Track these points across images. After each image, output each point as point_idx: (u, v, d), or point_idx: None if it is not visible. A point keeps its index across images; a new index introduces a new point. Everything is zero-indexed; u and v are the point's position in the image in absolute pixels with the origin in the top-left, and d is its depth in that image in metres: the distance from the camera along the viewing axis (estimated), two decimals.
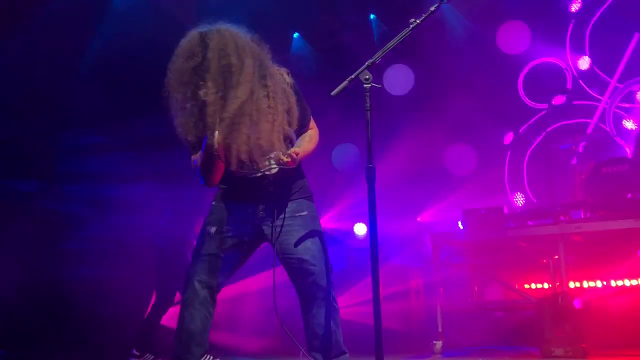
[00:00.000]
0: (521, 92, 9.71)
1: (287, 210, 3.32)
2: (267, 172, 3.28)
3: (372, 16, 9.84)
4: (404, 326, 6.93)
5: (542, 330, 5.93)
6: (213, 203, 3.41)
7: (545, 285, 7.36)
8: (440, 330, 6.73)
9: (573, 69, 9.46)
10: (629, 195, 6.77)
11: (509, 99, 9.60)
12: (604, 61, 9.30)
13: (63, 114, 7.35)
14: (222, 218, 3.31)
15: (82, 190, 7.50)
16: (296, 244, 3.27)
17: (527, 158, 9.61)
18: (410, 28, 3.31)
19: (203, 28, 3.10)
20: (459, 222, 7.42)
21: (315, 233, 3.33)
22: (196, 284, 3.21)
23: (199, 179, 3.23)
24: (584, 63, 9.35)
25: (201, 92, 2.91)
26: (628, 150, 8.42)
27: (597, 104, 9.28)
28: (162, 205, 6.86)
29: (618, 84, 9.15)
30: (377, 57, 3.31)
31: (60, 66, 7.26)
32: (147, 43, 6.89)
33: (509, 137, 9.77)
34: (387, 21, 9.67)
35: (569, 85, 9.47)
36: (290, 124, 3.21)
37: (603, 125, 9.18)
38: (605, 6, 9.31)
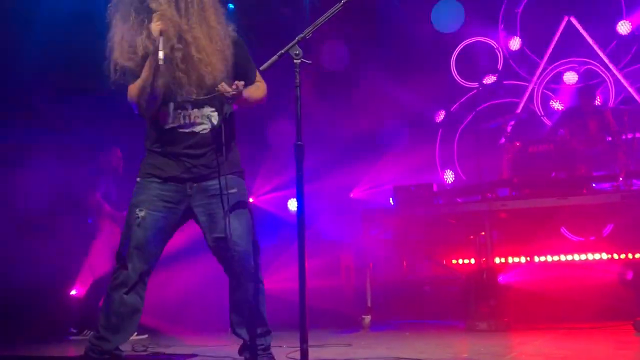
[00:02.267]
0: (453, 71, 9.84)
1: (215, 188, 3.24)
2: (199, 130, 3.21)
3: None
4: (334, 302, 6.97)
5: (468, 304, 6.07)
6: (138, 180, 3.29)
7: (472, 261, 7.53)
8: (369, 305, 6.81)
9: (504, 49, 9.64)
10: (553, 174, 6.99)
11: (442, 77, 9.71)
12: (534, 43, 9.52)
13: None
14: (150, 199, 3.20)
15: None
16: (225, 224, 3.19)
17: (457, 136, 9.77)
18: (341, 4, 3.26)
19: None
20: (390, 199, 7.50)
21: (242, 212, 3.25)
22: (130, 270, 3.14)
23: (134, 109, 3.21)
24: (515, 44, 9.53)
25: (153, 4, 3.04)
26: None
27: (526, 84, 9.51)
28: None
29: (547, 65, 9.38)
30: (308, 32, 3.25)
31: None
32: None
33: (440, 115, 9.90)
34: None
35: (499, 65, 9.65)
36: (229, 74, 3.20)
37: (531, 106, 9.42)
38: None
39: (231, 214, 3.19)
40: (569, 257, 7.12)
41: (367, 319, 6.60)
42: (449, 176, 9.55)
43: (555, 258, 7.18)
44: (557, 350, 4.43)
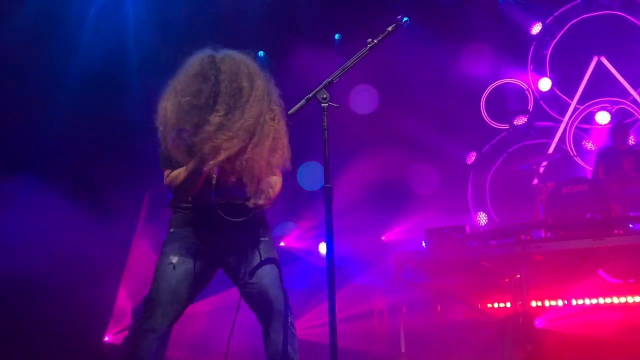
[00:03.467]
0: (484, 113, 9.82)
1: (246, 237, 3.29)
2: (235, 202, 3.23)
3: (337, 36, 9.90)
4: (367, 347, 6.87)
5: (504, 350, 5.93)
6: (172, 230, 3.33)
7: (508, 305, 7.38)
8: (403, 350, 6.68)
9: (534, 90, 9.61)
10: (588, 215, 6.86)
11: (472, 119, 9.70)
12: (564, 83, 9.48)
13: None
14: (182, 246, 3.25)
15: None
16: (256, 273, 3.26)
17: (489, 177, 9.70)
18: (368, 48, 3.31)
19: (211, 52, 3.15)
20: (422, 242, 7.42)
21: (272, 260, 3.31)
22: (158, 316, 3.16)
23: (170, 192, 3.25)
24: (545, 84, 9.50)
25: (211, 116, 2.94)
26: (588, 170, 8.55)
27: (557, 124, 9.44)
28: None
29: (578, 105, 9.32)
30: (335, 76, 3.30)
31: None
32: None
33: (472, 157, 9.85)
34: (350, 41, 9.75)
35: (530, 106, 9.62)
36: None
37: (564, 146, 9.33)
38: (565, 29, 9.51)
39: (262, 261, 3.25)
40: (608, 300, 6.93)
41: None
42: (482, 218, 9.44)
43: (594, 301, 6.99)
44: None
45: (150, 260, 6.57)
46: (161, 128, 3.07)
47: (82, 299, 6.64)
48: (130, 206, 7.36)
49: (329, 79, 3.27)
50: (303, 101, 3.25)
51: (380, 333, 7.30)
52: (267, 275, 3.26)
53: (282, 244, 9.05)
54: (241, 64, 3.11)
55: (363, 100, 8.98)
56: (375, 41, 3.30)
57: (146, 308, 3.21)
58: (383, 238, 9.23)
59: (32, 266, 6.24)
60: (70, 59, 7.48)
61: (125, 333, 6.58)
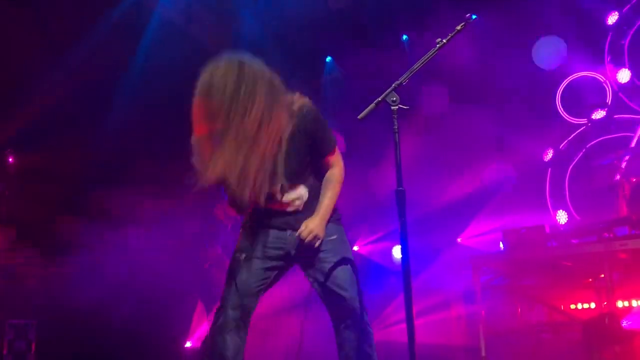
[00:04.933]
0: (560, 108, 9.54)
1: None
2: (292, 209, 3.30)
3: (404, 37, 9.84)
4: (447, 353, 6.79)
5: (590, 352, 5.74)
6: (241, 230, 3.42)
7: (592, 305, 7.14)
8: (483, 354, 6.56)
9: (613, 82, 9.27)
10: None
11: (548, 114, 9.44)
12: None
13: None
14: (252, 244, 3.30)
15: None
16: (329, 271, 3.26)
17: (568, 175, 9.40)
18: (436, 48, 3.27)
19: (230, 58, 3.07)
20: (500, 243, 7.26)
21: (346, 258, 3.31)
22: (229, 310, 3.21)
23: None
24: (624, 76, 9.14)
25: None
26: None
27: (639, 117, 9.06)
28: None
29: None
30: (404, 78, 3.28)
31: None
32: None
33: (549, 154, 9.58)
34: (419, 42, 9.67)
35: (608, 99, 9.27)
36: (302, 155, 3.22)
37: None
38: None
39: (334, 260, 3.26)
40: None
41: None
42: (562, 217, 9.15)
43: None
44: None
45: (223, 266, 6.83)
46: None
47: (173, 316, 7.17)
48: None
49: (398, 81, 3.25)
50: (373, 105, 3.24)
51: (460, 338, 7.20)
52: (340, 276, 3.25)
53: (355, 248, 9.05)
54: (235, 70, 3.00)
55: (434, 100, 8.88)
56: (444, 40, 3.26)
57: (219, 306, 3.28)
58: (459, 240, 9.09)
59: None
60: None
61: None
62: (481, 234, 8.95)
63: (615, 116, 9.19)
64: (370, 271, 8.23)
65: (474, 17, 3.35)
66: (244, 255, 3.26)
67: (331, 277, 3.25)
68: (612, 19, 9.28)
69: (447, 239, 8.87)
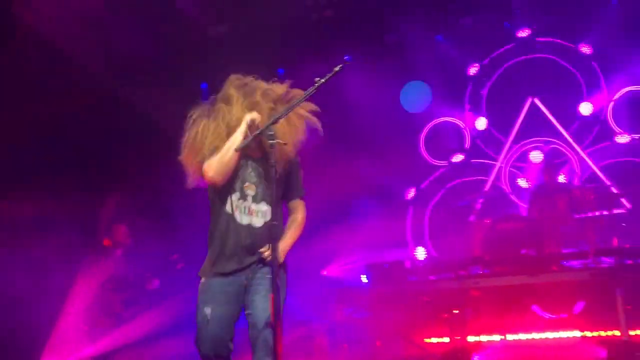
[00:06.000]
0: (422, 150, 10.03)
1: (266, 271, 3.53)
2: (255, 224, 3.56)
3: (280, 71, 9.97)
4: None
5: None
6: (202, 280, 3.59)
7: (446, 340, 7.46)
8: None
9: (471, 128, 9.88)
10: (523, 252, 7.05)
11: (412, 155, 9.88)
12: (499, 122, 9.79)
13: None
14: (214, 296, 3.52)
15: None
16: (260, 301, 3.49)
17: (428, 213, 9.86)
18: (314, 87, 3.36)
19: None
20: (363, 276, 7.46)
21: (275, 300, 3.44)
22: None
23: (202, 182, 3.57)
24: (482, 123, 9.79)
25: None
26: (523, 207, 8.79)
27: (493, 162, 9.71)
28: None
29: (513, 145, 9.62)
30: (281, 114, 3.34)
31: None
32: None
33: (411, 193, 10.00)
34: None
35: (467, 145, 9.88)
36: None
37: (499, 184, 9.59)
38: (500, 70, 9.85)
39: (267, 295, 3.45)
40: (542, 335, 7.11)
41: None
42: (421, 253, 9.56)
43: (529, 336, 7.15)
44: None
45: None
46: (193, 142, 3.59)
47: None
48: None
49: (276, 116, 3.31)
50: (250, 137, 3.30)
51: None
52: (265, 309, 3.44)
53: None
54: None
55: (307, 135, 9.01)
56: (322, 80, 3.35)
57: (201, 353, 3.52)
58: (324, 272, 9.21)
59: None
60: None
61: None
62: (345, 266, 9.12)
63: (472, 160, 9.80)
64: None
65: (349, 59, 3.48)
66: (209, 310, 3.49)
67: (262, 307, 3.44)
68: (473, 70, 9.95)
69: (311, 270, 8.96)
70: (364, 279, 7.35)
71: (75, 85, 7.78)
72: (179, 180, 3.64)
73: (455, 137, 10.04)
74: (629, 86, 8.98)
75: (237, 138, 3.46)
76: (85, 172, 7.99)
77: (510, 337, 7.20)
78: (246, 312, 3.53)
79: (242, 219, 3.55)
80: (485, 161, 9.79)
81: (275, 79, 3.87)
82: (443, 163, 9.90)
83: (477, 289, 6.72)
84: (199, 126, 3.60)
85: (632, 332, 6.26)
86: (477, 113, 9.89)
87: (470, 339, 7.16)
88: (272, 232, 3.36)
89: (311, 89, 3.36)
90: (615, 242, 7.33)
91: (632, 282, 6.09)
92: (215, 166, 3.46)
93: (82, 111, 7.91)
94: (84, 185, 7.76)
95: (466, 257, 7.47)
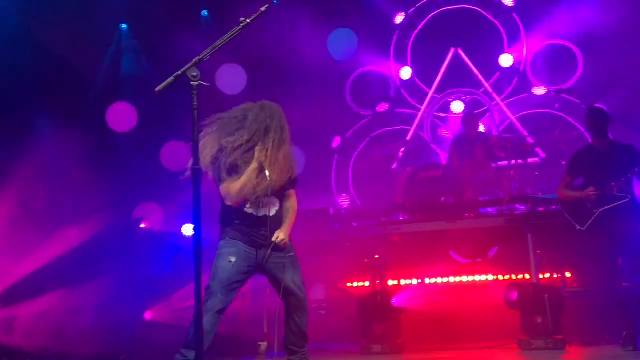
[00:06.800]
0: (348, 99, 10.06)
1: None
2: (267, 214, 4.17)
3: (204, 13, 9.72)
4: (230, 328, 6.87)
5: (363, 327, 6.16)
6: (227, 239, 4.17)
7: (367, 284, 7.66)
8: (265, 331, 6.76)
9: (396, 78, 9.97)
10: (442, 199, 7.25)
11: (337, 104, 9.90)
12: (423, 73, 9.90)
13: None
14: (238, 252, 4.12)
15: None
16: (290, 274, 4.22)
17: (352, 162, 9.97)
18: (239, 27, 3.28)
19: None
20: None
21: (299, 267, 4.31)
22: (219, 297, 4.03)
23: (225, 199, 4.10)
24: (406, 73, 9.88)
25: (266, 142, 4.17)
26: (443, 156, 9.00)
27: (416, 112, 9.86)
28: None
29: (435, 94, 9.78)
30: (206, 54, 3.25)
31: None
32: None
33: (336, 141, 10.06)
34: (219, 19, 9.61)
35: (392, 94, 9.97)
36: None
37: (421, 133, 9.77)
38: (426, 20, 9.92)
39: (293, 267, 4.25)
40: (458, 279, 7.40)
41: (264, 345, 6.55)
42: (345, 201, 9.70)
43: (445, 280, 7.43)
44: None
45: None
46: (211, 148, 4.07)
47: None
48: None
49: (199, 57, 3.21)
50: (172, 78, 3.17)
51: (244, 315, 7.33)
52: (296, 278, 4.25)
53: (142, 225, 8.81)
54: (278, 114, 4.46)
55: (231, 80, 8.89)
56: (248, 20, 3.28)
57: (209, 292, 4.03)
58: None
59: None
60: None
61: None
62: None
63: (396, 110, 9.92)
64: (162, 248, 8.06)
65: (275, 1, 3.42)
66: (234, 259, 4.09)
67: (292, 280, 4.20)
68: (399, 18, 9.97)
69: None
70: None
71: None
72: None
73: (381, 86, 10.11)
74: (547, 39, 9.23)
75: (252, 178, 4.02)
76: None
77: (428, 280, 7.47)
78: (274, 282, 4.21)
79: (259, 212, 4.15)
80: (409, 111, 9.93)
81: None
82: (368, 112, 9.98)
83: (397, 235, 6.89)
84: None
85: (541, 276, 6.60)
86: (403, 62, 9.97)
87: (390, 283, 7.38)
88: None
89: (236, 29, 3.28)
90: (529, 189, 7.64)
91: (543, 228, 6.37)
92: (233, 198, 4.09)
93: None
94: None
95: (388, 205, 7.62)
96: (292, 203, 4.34)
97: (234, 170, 4.06)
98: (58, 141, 7.69)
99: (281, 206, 4.24)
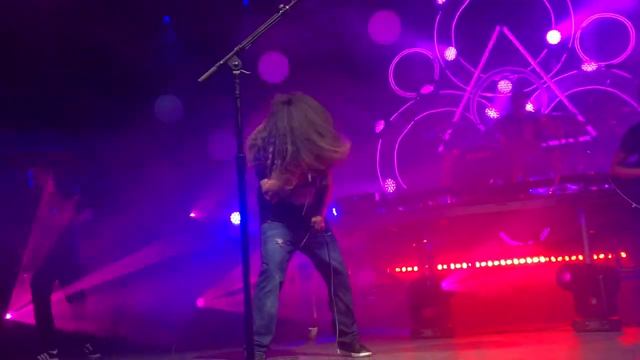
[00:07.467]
0: (392, 82, 9.97)
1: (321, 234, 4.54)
2: (306, 202, 4.44)
3: (245, 1, 9.74)
4: (280, 314, 6.93)
5: (412, 312, 6.12)
6: (269, 221, 4.44)
7: (415, 269, 7.61)
8: (315, 316, 6.79)
9: (440, 59, 9.83)
10: (491, 181, 7.14)
11: (381, 88, 9.82)
12: (468, 52, 9.73)
13: None
14: (282, 233, 4.40)
15: None
16: (331, 252, 4.54)
17: (397, 145, 9.89)
18: (279, 14, 3.28)
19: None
20: (333, 209, 7.50)
21: (337, 246, 4.65)
22: (277, 279, 4.30)
23: (266, 195, 4.32)
24: (451, 54, 9.73)
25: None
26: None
27: (462, 93, 9.71)
28: None
29: (481, 74, 9.61)
30: (247, 42, 3.26)
31: None
32: None
33: (380, 125, 10.00)
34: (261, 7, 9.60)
35: (436, 75, 9.84)
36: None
37: (468, 114, 9.62)
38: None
39: (333, 246, 4.56)
40: (509, 262, 7.28)
41: (314, 330, 6.57)
42: (390, 185, 9.63)
43: (496, 263, 7.33)
44: (500, 353, 4.51)
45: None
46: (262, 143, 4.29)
47: None
48: None
49: (240, 45, 3.22)
50: (214, 67, 3.20)
51: (292, 300, 7.38)
52: (337, 255, 4.59)
53: (192, 215, 8.93)
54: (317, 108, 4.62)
55: (273, 68, 8.89)
56: (287, 7, 3.27)
57: (265, 276, 4.29)
58: None
59: None
60: None
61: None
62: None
63: (441, 91, 9.79)
64: (208, 236, 8.16)
65: None
66: (280, 241, 4.36)
67: (333, 257, 4.47)
68: None
69: None
70: (334, 212, 7.39)
71: None
72: None
73: (425, 68, 9.99)
74: (596, 13, 8.95)
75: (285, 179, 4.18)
76: None
77: (478, 264, 7.37)
78: (315, 260, 4.54)
79: (296, 202, 4.39)
80: (454, 92, 9.79)
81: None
82: (412, 95, 9.87)
83: (446, 219, 6.80)
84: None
85: (595, 257, 6.44)
86: (446, 43, 9.82)
87: (439, 267, 7.32)
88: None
89: (275, 16, 3.27)
90: (580, 168, 7.46)
91: (596, 208, 6.21)
92: (270, 195, 4.28)
93: None
94: None
95: (435, 188, 7.54)
96: (327, 181, 4.51)
97: (270, 167, 4.24)
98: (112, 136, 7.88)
99: (317, 188, 4.42)
